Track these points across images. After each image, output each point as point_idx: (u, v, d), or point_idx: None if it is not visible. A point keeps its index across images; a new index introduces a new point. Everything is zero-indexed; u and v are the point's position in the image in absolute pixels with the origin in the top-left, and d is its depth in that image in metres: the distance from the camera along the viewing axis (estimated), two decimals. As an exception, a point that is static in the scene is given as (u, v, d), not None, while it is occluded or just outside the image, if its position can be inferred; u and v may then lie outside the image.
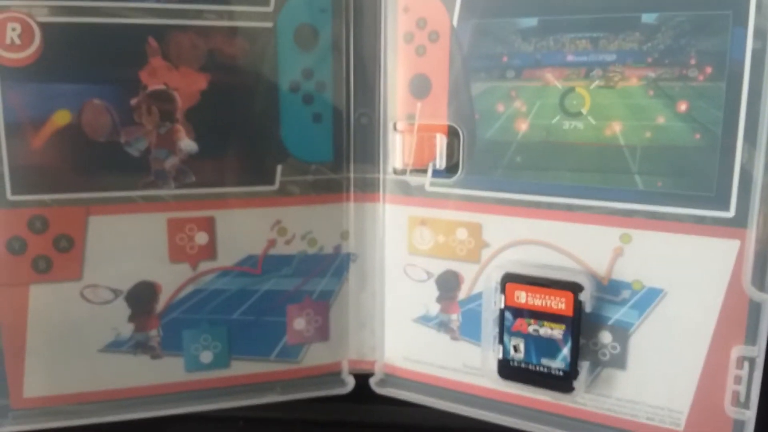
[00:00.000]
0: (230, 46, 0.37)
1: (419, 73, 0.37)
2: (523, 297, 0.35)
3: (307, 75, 0.38)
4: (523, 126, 0.35)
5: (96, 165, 0.36)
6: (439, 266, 0.38)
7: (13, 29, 0.33)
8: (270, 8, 0.37)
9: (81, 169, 0.36)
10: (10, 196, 0.35)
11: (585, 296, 0.33)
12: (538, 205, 0.35)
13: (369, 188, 0.40)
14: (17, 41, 0.34)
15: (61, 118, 0.35)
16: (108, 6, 0.34)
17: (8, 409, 0.36)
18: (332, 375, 0.41)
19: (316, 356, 0.41)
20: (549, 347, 0.35)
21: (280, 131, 0.38)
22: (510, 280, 0.35)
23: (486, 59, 0.35)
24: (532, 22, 0.34)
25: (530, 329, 0.35)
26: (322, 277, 0.40)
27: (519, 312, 0.35)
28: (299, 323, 0.40)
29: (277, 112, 0.38)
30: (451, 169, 0.37)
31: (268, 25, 0.37)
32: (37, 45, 0.34)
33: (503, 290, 0.35)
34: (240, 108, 0.38)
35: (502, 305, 0.35)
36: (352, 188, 0.40)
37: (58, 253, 0.36)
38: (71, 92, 0.35)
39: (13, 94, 0.34)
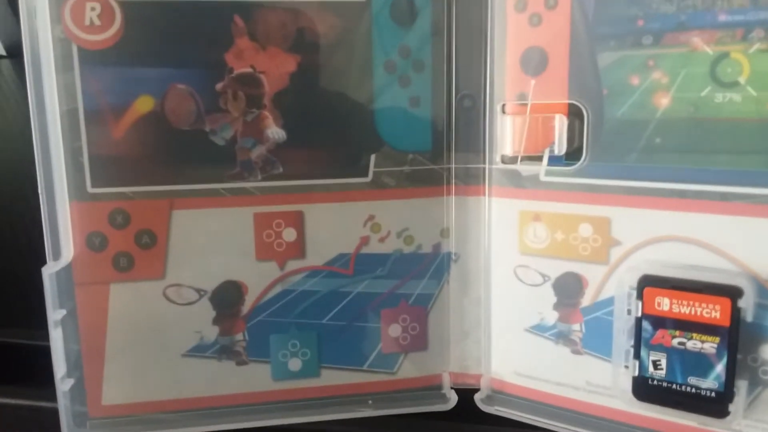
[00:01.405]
0: (321, 24, 0.33)
1: (533, 45, 0.32)
2: (666, 304, 0.29)
3: (405, 53, 0.34)
4: (663, 101, 0.29)
5: (180, 155, 0.33)
6: (557, 268, 0.33)
7: (93, 9, 0.31)
8: (364, -20, 0.33)
9: (164, 159, 0.33)
10: (90, 189, 0.33)
11: (745, 303, 0.28)
12: (682, 194, 0.29)
13: (472, 180, 0.35)
14: (97, 22, 0.31)
15: (144, 104, 0.32)
16: (192, -18, 0.32)
17: (86, 417, 0.34)
18: (431, 389, 0.37)
19: (413, 367, 0.37)
20: (698, 363, 0.29)
21: (374, 117, 0.35)
22: (649, 283, 0.30)
23: (617, 24, 0.30)
24: (674, -23, 0.29)
25: (675, 342, 0.29)
26: (419, 279, 0.36)
27: (661, 322, 0.30)
28: (394, 330, 0.36)
29: (370, 96, 0.34)
30: (572, 155, 0.32)
31: (363, -1, 0.33)
32: (118, 26, 0.32)
33: (640, 296, 0.30)
34: (331, 92, 0.34)
35: (639, 314, 0.30)
36: (453, 180, 0.35)
37: (140, 250, 0.33)
38: (154, 77, 0.32)
39: (93, 79, 0.32)
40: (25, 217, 0.47)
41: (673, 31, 0.29)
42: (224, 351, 0.35)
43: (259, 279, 0.35)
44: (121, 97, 0.32)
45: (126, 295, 0.34)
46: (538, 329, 0.34)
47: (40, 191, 0.32)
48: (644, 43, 0.29)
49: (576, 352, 0.33)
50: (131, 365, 0.34)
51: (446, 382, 0.37)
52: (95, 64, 0.32)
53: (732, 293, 0.28)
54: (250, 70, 0.33)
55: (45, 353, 0.33)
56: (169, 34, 0.32)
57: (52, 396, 0.33)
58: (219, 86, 0.33)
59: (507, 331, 0.35)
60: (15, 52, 0.75)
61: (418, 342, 0.37)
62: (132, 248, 0.33)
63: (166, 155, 0.33)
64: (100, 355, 0.34)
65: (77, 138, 0.32)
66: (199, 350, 0.35)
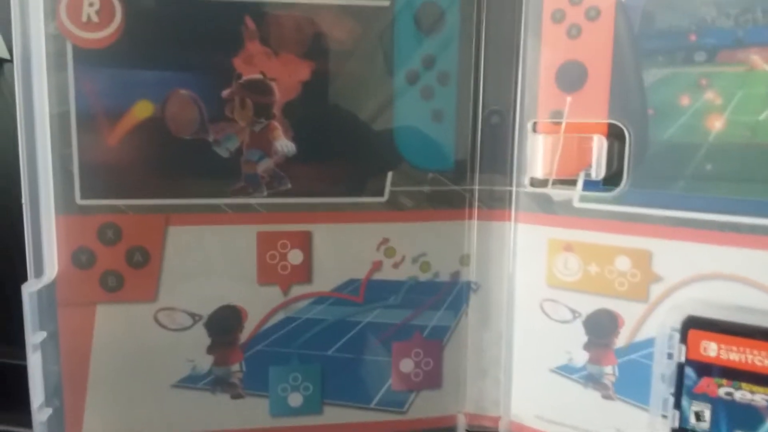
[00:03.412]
0: (339, 30, 0.31)
1: (571, 59, 0.30)
2: (713, 349, 0.26)
3: (428, 63, 0.32)
4: (717, 123, 0.27)
5: (179, 166, 0.30)
6: (589, 303, 0.30)
7: (91, 4, 0.29)
8: (388, -17, 0.31)
9: (162, 170, 0.30)
10: (79, 200, 0.30)
11: (806, 353, 0.25)
12: (735, 227, 0.26)
13: (497, 203, 0.32)
14: (95, 19, 0.29)
15: (142, 110, 0.30)
16: (200, -21, 0.29)
17: (64, 451, 0.31)
18: (444, 431, 0.34)
19: (425, 407, 0.33)
20: (748, 417, 0.26)
21: (393, 131, 0.32)
22: (695, 325, 0.27)
23: (666, 38, 0.27)
24: (733, -12, 0.26)
25: (721, 392, 0.26)
26: (435, 310, 0.33)
27: (706, 368, 0.26)
28: (406, 365, 0.33)
29: (390, 108, 0.32)
30: (611, 179, 0.29)
31: (385, 3, 0.31)
32: (118, 24, 0.29)
33: (684, 339, 0.27)
34: (347, 102, 0.31)
35: (682, 358, 0.27)
36: (476, 203, 0.32)
37: (130, 269, 0.30)
38: (155, 80, 0.30)
39: (88, 80, 0.29)
40: (6, 227, 0.44)
41: (729, 47, 0.26)
42: (218, 382, 0.32)
43: (259, 304, 0.32)
44: (117, 101, 0.29)
45: (113, 318, 0.31)
46: (566, 370, 0.31)
47: (24, 201, 0.29)
48: (696, 60, 0.27)
49: (607, 397, 0.30)
50: (116, 395, 0.31)
51: (461, 424, 0.34)
52: (91, 64, 0.29)
53: (791, 341, 0.25)
54: (260, 76, 0.30)
55: (24, 373, 0.30)
56: (173, 34, 0.30)
57: (30, 421, 0.30)
58: (225, 93, 0.30)
59: (530, 370, 0.32)
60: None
61: (432, 379, 0.33)
62: (122, 267, 0.30)
63: (164, 166, 0.30)
64: (83, 382, 0.31)
65: (67, 144, 0.29)
66: (191, 381, 0.31)
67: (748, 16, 0.26)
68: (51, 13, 0.28)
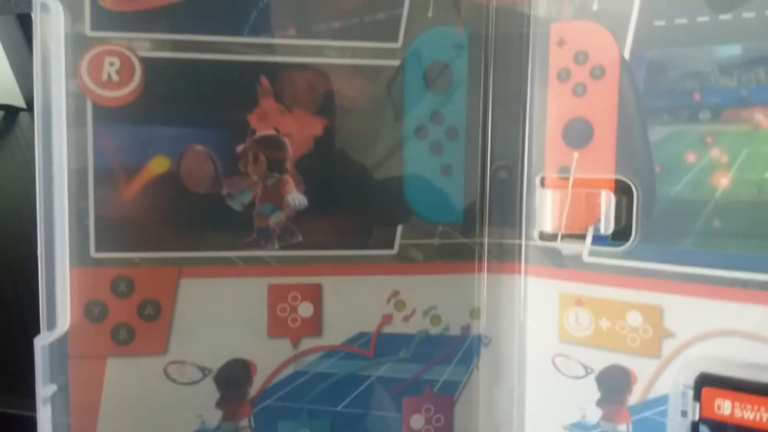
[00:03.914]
0: (351, 87, 0.32)
1: (577, 116, 0.30)
2: (727, 407, 0.26)
3: (437, 119, 0.32)
4: (723, 181, 0.27)
5: (193, 220, 0.31)
6: (601, 359, 0.30)
7: (111, 64, 0.30)
8: (398, 44, 0.32)
9: (176, 224, 0.31)
10: (94, 253, 0.30)
11: (824, 413, 0.25)
12: (745, 284, 0.26)
13: (507, 256, 0.32)
14: (115, 78, 0.30)
15: (159, 165, 0.30)
16: (218, 41, 0.30)
17: None
18: (456, 489, 0.33)
19: (436, 464, 0.33)
20: (766, 480, 0.25)
21: (403, 185, 0.32)
22: (709, 383, 0.26)
23: (670, 97, 0.28)
24: (734, 50, 0.27)
25: (738, 453, 0.26)
26: (446, 365, 0.33)
27: (721, 427, 0.26)
28: (417, 421, 0.33)
29: (399, 162, 0.32)
30: (620, 234, 0.29)
31: (395, 63, 0.32)
32: (137, 83, 0.30)
33: (698, 396, 0.26)
34: (358, 157, 0.32)
35: (696, 417, 0.26)
36: (485, 256, 0.33)
37: (142, 322, 0.30)
38: (171, 136, 0.30)
39: (107, 137, 0.30)
40: (19, 279, 0.45)
41: (733, 106, 0.27)
42: (227, 438, 0.32)
43: (269, 358, 0.32)
44: (134, 156, 0.30)
45: (124, 371, 0.30)
46: (579, 428, 0.31)
47: (39, 254, 0.30)
48: (701, 119, 0.27)
49: (622, 455, 0.30)
50: (124, 450, 0.31)
51: (473, 481, 0.33)
52: (110, 121, 0.30)
53: (808, 401, 0.25)
54: (273, 132, 0.31)
55: (34, 425, 0.30)
56: (191, 92, 0.30)
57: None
58: (240, 148, 0.31)
59: (543, 427, 0.31)
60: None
61: (443, 435, 0.33)
62: (134, 319, 0.30)
63: (179, 219, 0.31)
64: (91, 436, 0.31)
65: (84, 198, 0.30)
66: (199, 436, 0.31)
67: (751, 76, 0.26)
68: (72, 71, 0.29)
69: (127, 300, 0.30)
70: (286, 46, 0.31)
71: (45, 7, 0.29)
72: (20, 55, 0.74)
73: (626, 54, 0.29)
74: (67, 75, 0.29)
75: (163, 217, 0.31)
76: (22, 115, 0.76)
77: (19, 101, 0.77)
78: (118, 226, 0.30)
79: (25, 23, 0.68)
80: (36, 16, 0.29)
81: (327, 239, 0.32)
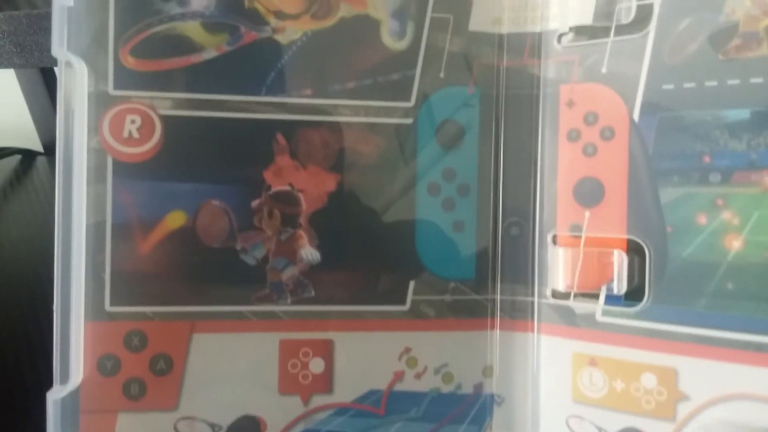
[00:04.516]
0: (364, 144, 0.32)
1: (588, 176, 0.31)
2: (745, 475, 0.26)
3: (449, 177, 0.33)
4: (735, 243, 0.27)
5: (207, 274, 0.31)
6: (616, 421, 0.29)
7: (133, 122, 0.30)
8: (411, 103, 0.32)
9: (190, 278, 0.31)
10: (108, 307, 0.30)
11: None
12: (759, 347, 0.26)
13: (519, 314, 0.32)
14: (136, 135, 0.30)
15: (175, 220, 0.31)
16: (237, 100, 0.31)
17: None
18: None
19: None
20: None
21: (415, 241, 0.32)
22: (726, 449, 0.26)
23: (681, 159, 0.28)
24: (742, 114, 0.27)
25: None
26: (458, 424, 0.32)
27: (740, 496, 0.26)
28: (428, 481, 0.32)
29: (412, 218, 0.33)
30: (633, 294, 0.29)
31: (408, 121, 0.32)
32: (157, 140, 0.31)
33: (715, 463, 0.26)
34: (370, 213, 0.32)
35: (714, 484, 0.26)
36: (498, 313, 0.33)
37: (153, 377, 0.30)
38: (189, 191, 0.31)
39: (126, 192, 0.30)
40: (30, 327, 0.45)
41: (743, 169, 0.27)
42: (236, 496, 0.31)
43: (280, 415, 0.31)
44: (152, 211, 0.31)
45: (134, 427, 0.30)
46: (594, 491, 0.30)
47: (55, 308, 0.30)
48: (712, 181, 0.28)
49: None
50: (131, 507, 0.30)
51: None
52: (129, 177, 0.30)
53: (829, 470, 0.24)
54: (288, 188, 0.32)
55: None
56: (209, 149, 0.31)
57: None
58: (255, 203, 0.31)
59: (556, 489, 0.31)
60: (52, 149, 0.77)
61: (454, 496, 0.32)
62: (145, 374, 0.30)
63: (193, 274, 0.31)
64: (98, 494, 0.30)
65: (101, 252, 0.30)
66: (208, 494, 0.31)
67: (760, 140, 0.27)
68: (94, 128, 0.30)
69: (140, 354, 0.31)
70: (302, 105, 0.32)
71: (69, 66, 0.30)
72: (40, 101, 0.76)
73: (635, 116, 0.29)
74: (89, 132, 0.30)
75: (178, 272, 0.31)
76: (39, 159, 0.77)
77: (36, 145, 0.79)
78: (134, 280, 0.31)
79: (46, 73, 0.70)
80: (60, 74, 0.30)
81: (339, 294, 0.32)
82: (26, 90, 0.77)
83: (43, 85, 0.77)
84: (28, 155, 0.76)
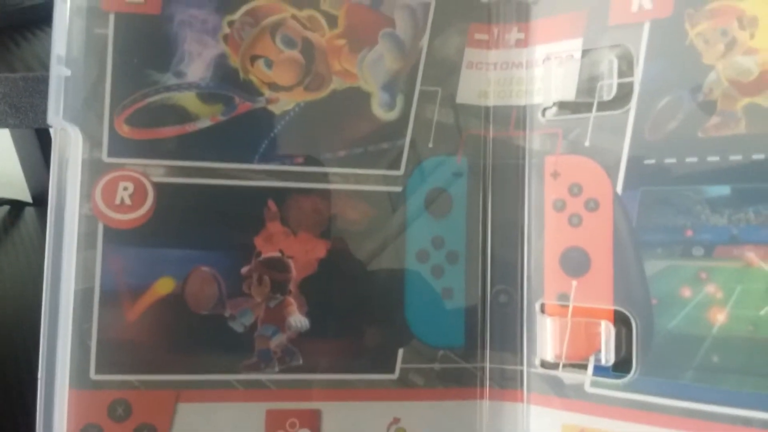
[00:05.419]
0: (354, 212, 0.33)
1: (574, 246, 0.31)
2: None
3: (438, 244, 0.33)
4: (719, 317, 0.27)
5: (194, 342, 0.31)
6: (606, 494, 0.29)
7: (125, 189, 0.31)
8: (400, 172, 0.33)
9: (177, 346, 0.31)
10: (93, 375, 0.30)
11: None
12: (747, 422, 0.26)
13: (509, 383, 0.32)
14: (128, 202, 0.31)
15: (164, 286, 0.31)
16: (230, 168, 0.32)
17: None
18: None
19: None
20: None
21: (404, 308, 0.33)
22: None
23: (663, 232, 0.29)
24: (723, 190, 0.28)
25: None
26: (447, 495, 0.32)
27: None
28: None
29: (401, 285, 0.33)
30: (621, 366, 0.29)
31: (398, 189, 0.33)
32: (149, 206, 0.31)
33: None
34: (360, 280, 0.32)
35: None
36: (487, 382, 0.33)
37: (137, 448, 0.30)
38: (179, 258, 0.31)
39: (116, 258, 0.30)
40: (13, 392, 0.44)
41: (725, 244, 0.28)
42: None
43: (265, 488, 0.31)
44: (141, 278, 0.31)
45: (115, 501, 0.30)
46: None
47: (39, 376, 0.30)
48: (695, 255, 0.28)
49: None
50: None
51: None
52: (120, 243, 0.30)
53: None
54: (278, 254, 0.32)
55: None
56: (201, 215, 0.31)
57: None
58: (245, 270, 0.32)
59: None
60: (41, 200, 0.76)
61: None
62: (129, 445, 0.30)
63: (180, 341, 0.31)
64: None
65: (88, 320, 0.30)
66: None
67: (741, 216, 0.27)
68: (87, 195, 0.30)
69: (124, 424, 0.30)
70: (294, 173, 0.32)
71: (65, 133, 0.31)
72: (31, 153, 0.77)
73: (619, 189, 0.30)
74: (81, 198, 0.30)
75: (165, 339, 0.31)
76: (28, 210, 0.77)
77: (26, 196, 0.79)
78: (120, 348, 0.30)
79: (39, 132, 0.70)
80: (55, 141, 0.31)
81: (327, 362, 0.32)
82: (18, 141, 0.77)
83: (35, 137, 0.77)
84: (16, 206, 0.76)
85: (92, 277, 0.30)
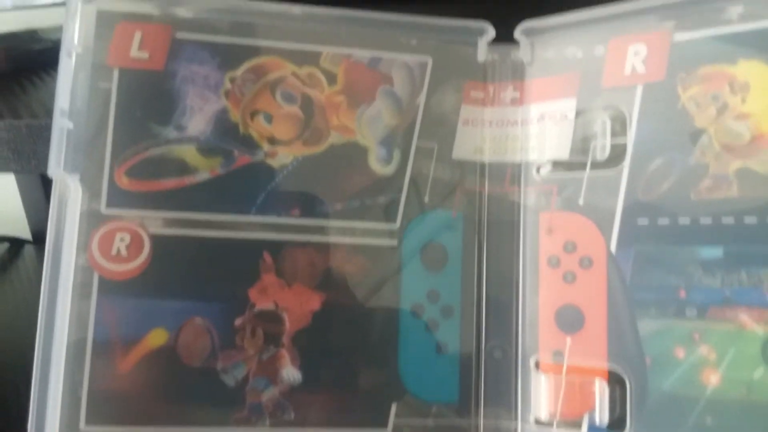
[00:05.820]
0: (349, 265, 0.33)
1: (568, 303, 0.31)
2: None
3: (433, 298, 0.33)
4: (713, 378, 0.27)
5: (185, 394, 0.31)
6: None
7: (122, 240, 0.31)
8: (396, 225, 0.33)
9: (168, 398, 0.30)
10: (83, 427, 0.30)
11: None
12: (743, 488, 0.26)
13: (503, 440, 0.32)
14: (124, 253, 0.31)
15: (157, 338, 0.31)
16: (226, 219, 0.32)
17: None
18: None
19: None
20: None
21: (398, 363, 0.32)
22: None
23: (657, 292, 0.29)
24: (716, 252, 0.28)
25: None
26: None
27: None
28: None
29: (395, 339, 0.33)
30: (616, 425, 0.29)
31: (393, 243, 0.33)
32: (145, 258, 0.31)
33: None
34: (354, 333, 0.32)
35: None
36: (481, 438, 0.32)
37: (124, 503, 0.30)
38: (172, 309, 0.31)
39: (110, 309, 0.30)
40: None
41: (718, 305, 0.28)
42: None
43: None
44: (134, 329, 0.31)
45: None
46: None
47: (30, 426, 0.29)
48: (688, 315, 0.28)
49: None
50: None
51: None
52: (114, 294, 0.31)
53: None
54: (272, 306, 0.32)
55: None
56: (196, 267, 0.32)
57: None
58: (238, 322, 0.31)
59: None
60: (41, 238, 0.76)
61: None
62: (116, 500, 0.29)
63: (171, 394, 0.31)
64: None
65: (80, 370, 0.30)
66: None
67: (734, 278, 0.28)
68: (83, 246, 0.31)
69: (112, 478, 0.30)
70: (290, 225, 0.32)
71: (64, 185, 0.31)
72: (33, 191, 0.77)
73: (612, 247, 0.30)
74: (77, 249, 0.31)
75: (156, 391, 0.31)
76: (27, 248, 0.77)
77: (25, 234, 0.79)
78: (110, 400, 0.30)
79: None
80: (55, 192, 0.31)
81: (319, 416, 0.32)
82: (20, 181, 0.78)
83: (38, 177, 0.78)
84: (16, 243, 0.76)
85: (86, 327, 0.30)
